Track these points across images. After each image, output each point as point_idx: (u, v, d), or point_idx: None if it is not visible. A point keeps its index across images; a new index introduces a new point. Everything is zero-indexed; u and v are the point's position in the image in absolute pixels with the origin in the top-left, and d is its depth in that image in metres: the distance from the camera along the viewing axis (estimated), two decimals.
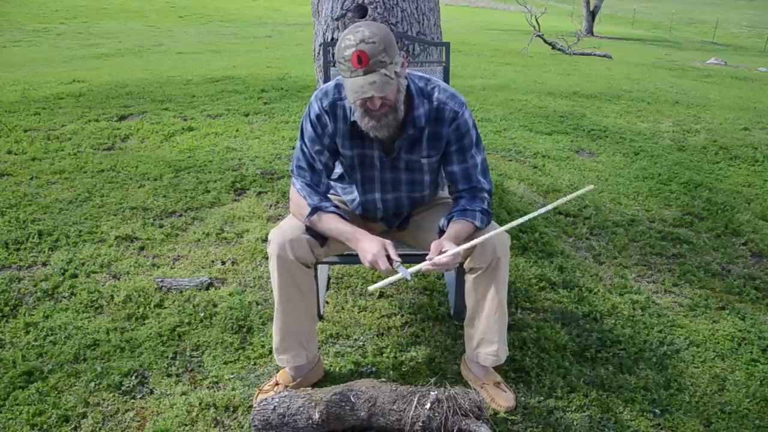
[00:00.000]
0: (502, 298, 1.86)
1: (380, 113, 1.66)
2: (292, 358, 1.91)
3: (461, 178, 1.86)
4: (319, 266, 2.09)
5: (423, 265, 1.67)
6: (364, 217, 2.06)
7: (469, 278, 1.88)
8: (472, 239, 1.78)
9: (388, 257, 1.68)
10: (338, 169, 2.01)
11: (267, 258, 2.10)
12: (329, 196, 1.96)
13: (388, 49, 1.59)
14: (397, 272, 1.66)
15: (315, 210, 1.79)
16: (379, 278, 2.21)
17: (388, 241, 1.71)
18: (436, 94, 1.79)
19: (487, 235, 1.73)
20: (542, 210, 1.73)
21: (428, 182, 1.96)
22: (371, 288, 1.69)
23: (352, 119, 1.77)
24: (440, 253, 1.67)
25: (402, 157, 1.86)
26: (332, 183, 2.08)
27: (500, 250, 1.79)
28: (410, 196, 1.97)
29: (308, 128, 1.83)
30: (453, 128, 1.80)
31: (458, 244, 1.74)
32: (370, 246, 1.69)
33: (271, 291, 1.87)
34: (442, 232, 1.82)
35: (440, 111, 1.79)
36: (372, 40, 1.56)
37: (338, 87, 1.80)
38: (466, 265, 1.85)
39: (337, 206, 1.85)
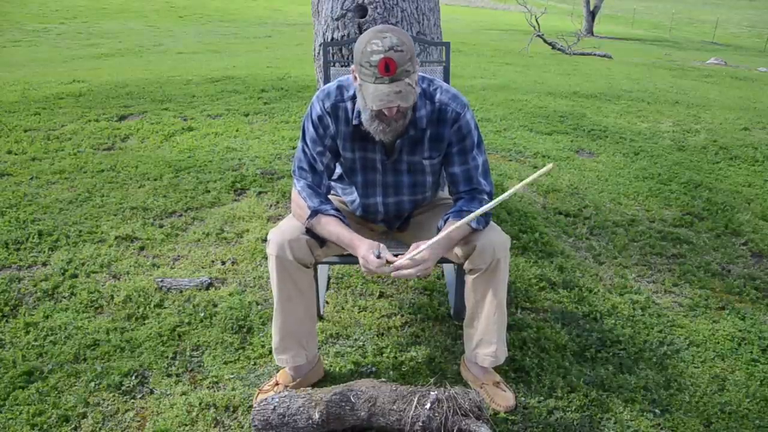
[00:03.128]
0: (502, 299, 1.86)
1: (392, 119, 1.66)
2: (292, 358, 1.91)
3: (462, 180, 1.85)
4: (319, 266, 2.09)
5: (400, 262, 1.67)
6: (364, 218, 2.05)
7: (468, 279, 1.88)
8: (469, 241, 1.79)
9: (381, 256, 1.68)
10: (339, 170, 2.01)
11: (267, 258, 2.09)
12: (329, 196, 1.96)
13: (413, 59, 1.59)
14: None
15: (315, 213, 1.78)
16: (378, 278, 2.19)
17: (383, 246, 1.71)
18: (438, 95, 1.79)
19: (458, 223, 1.68)
20: (512, 190, 1.60)
21: (430, 184, 1.96)
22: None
23: (354, 122, 1.76)
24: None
25: (404, 159, 1.85)
26: (332, 183, 2.07)
27: (500, 252, 1.79)
28: (412, 198, 1.97)
29: (310, 129, 1.82)
30: (455, 129, 1.80)
31: (451, 245, 1.74)
32: (363, 252, 1.69)
33: (271, 291, 1.87)
34: (439, 232, 1.82)
35: (442, 112, 1.79)
36: (401, 49, 1.56)
37: (340, 88, 1.79)
38: (465, 266, 1.85)
39: (337, 209, 1.84)
